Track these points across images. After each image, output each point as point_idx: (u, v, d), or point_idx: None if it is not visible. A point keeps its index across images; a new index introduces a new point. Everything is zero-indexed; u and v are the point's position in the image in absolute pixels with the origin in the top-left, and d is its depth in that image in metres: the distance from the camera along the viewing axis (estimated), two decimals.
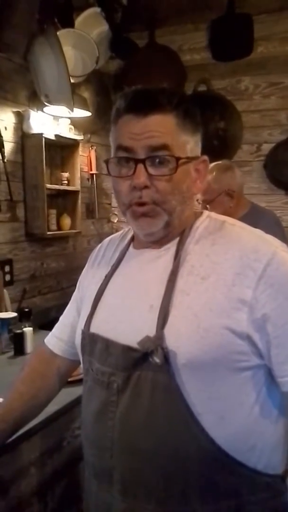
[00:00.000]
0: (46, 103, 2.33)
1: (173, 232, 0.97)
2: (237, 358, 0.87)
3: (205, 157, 0.98)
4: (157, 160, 0.89)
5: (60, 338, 1.21)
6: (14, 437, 1.21)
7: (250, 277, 0.87)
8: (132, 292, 0.98)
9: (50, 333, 1.25)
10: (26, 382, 1.21)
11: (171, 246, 0.97)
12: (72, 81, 2.27)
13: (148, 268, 0.98)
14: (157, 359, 0.86)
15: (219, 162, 2.33)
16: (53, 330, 1.25)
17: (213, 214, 1.02)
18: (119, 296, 1.00)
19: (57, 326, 1.25)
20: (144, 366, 0.89)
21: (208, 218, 1.00)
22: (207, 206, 2.23)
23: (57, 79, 2.15)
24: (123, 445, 0.93)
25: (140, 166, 0.89)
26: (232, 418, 0.89)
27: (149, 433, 0.89)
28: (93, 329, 1.00)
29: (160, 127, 0.89)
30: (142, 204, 0.92)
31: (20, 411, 1.16)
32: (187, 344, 0.86)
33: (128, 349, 0.91)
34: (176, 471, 0.89)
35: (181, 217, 0.96)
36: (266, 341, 0.87)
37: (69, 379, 1.34)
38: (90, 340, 1.00)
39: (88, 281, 1.14)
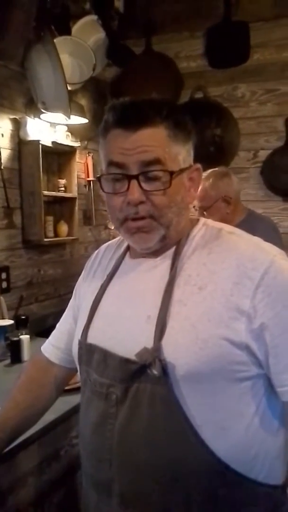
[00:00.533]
0: (43, 110, 2.33)
1: (170, 242, 0.96)
2: (236, 368, 0.86)
3: (198, 165, 0.97)
4: (150, 175, 0.88)
5: (57, 346, 1.20)
6: (11, 446, 1.20)
7: (247, 286, 0.86)
8: (128, 302, 0.97)
9: (47, 341, 1.24)
10: (22, 391, 1.20)
11: (168, 256, 0.96)
12: (69, 88, 2.28)
13: (145, 278, 0.97)
14: (155, 371, 0.85)
15: (216, 168, 2.33)
16: (50, 338, 1.24)
17: (210, 222, 1.01)
18: (115, 306, 0.99)
19: (53, 334, 1.24)
20: (142, 378, 0.88)
21: (204, 226, 0.99)
22: (204, 212, 2.23)
23: (54, 86, 2.16)
24: (122, 457, 0.91)
25: (134, 182, 0.88)
26: (232, 429, 0.88)
27: (148, 445, 0.88)
28: (90, 339, 0.99)
29: (151, 141, 0.87)
30: (138, 218, 0.91)
31: (16, 420, 1.15)
32: (185, 355, 0.85)
33: (125, 361, 0.90)
34: (176, 483, 0.88)
35: (177, 228, 0.95)
36: (264, 351, 0.86)
37: (66, 388, 1.34)
38: (87, 350, 0.99)
39: (84, 290, 1.13)
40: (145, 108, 0.88)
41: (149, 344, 0.87)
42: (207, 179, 2.25)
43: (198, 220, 1.01)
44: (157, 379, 0.85)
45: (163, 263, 0.96)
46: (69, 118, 2.31)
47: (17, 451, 1.38)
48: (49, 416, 1.49)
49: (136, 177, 0.88)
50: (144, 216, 0.90)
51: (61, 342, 1.19)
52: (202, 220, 1.01)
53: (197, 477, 0.87)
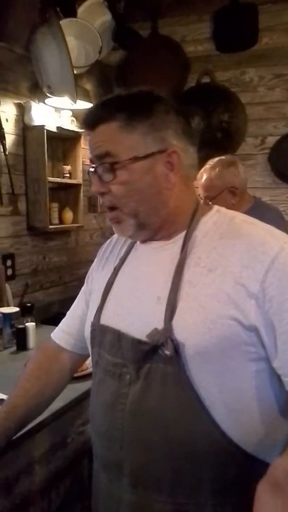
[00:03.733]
0: (48, 95, 2.28)
1: (153, 228, 0.98)
2: (246, 349, 0.87)
3: (173, 149, 0.94)
4: (102, 168, 0.94)
5: (68, 332, 1.21)
6: (18, 434, 1.18)
7: (257, 269, 0.86)
8: (140, 283, 0.99)
9: (57, 328, 1.25)
10: (30, 379, 1.19)
11: (178, 239, 0.97)
12: (74, 72, 2.23)
13: (155, 259, 0.99)
14: (167, 351, 0.87)
15: (222, 157, 2.27)
16: (60, 325, 1.25)
17: (223, 210, 1.02)
18: (128, 288, 1.01)
19: (64, 321, 1.25)
20: (154, 358, 0.89)
21: (217, 213, 1.00)
22: (209, 203, 2.19)
23: (59, 69, 2.11)
24: (133, 437, 0.93)
25: (94, 175, 0.96)
26: (244, 411, 0.89)
27: (159, 425, 0.89)
28: (103, 320, 1.01)
29: (102, 136, 0.94)
30: (109, 208, 0.98)
31: (25, 408, 1.15)
32: (195, 335, 0.87)
33: (137, 342, 0.91)
34: (186, 463, 0.89)
35: (159, 214, 0.96)
36: (273, 336, 0.86)
37: (74, 375, 1.32)
38: (100, 331, 1.01)
39: (97, 274, 1.15)
40: (100, 107, 0.96)
41: (160, 325, 0.89)
42: (213, 169, 2.20)
43: (212, 207, 1.02)
44: (169, 359, 0.87)
45: (174, 246, 0.97)
46: (75, 102, 2.26)
47: (23, 439, 1.37)
48: (56, 404, 1.48)
49: (94, 170, 0.95)
50: (110, 206, 0.96)
51: (73, 328, 1.20)
52: (216, 207, 1.02)
53: (208, 458, 0.88)
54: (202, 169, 2.27)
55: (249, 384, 0.89)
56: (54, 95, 2.24)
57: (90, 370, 1.72)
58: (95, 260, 1.20)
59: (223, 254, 0.91)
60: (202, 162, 2.46)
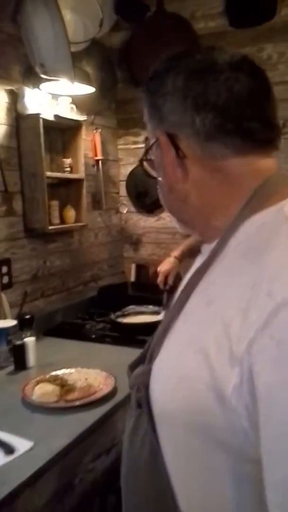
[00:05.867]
0: (42, 75, 2.00)
1: (201, 226, 0.77)
2: (220, 436, 0.59)
3: (159, 136, 0.74)
4: None
5: None
6: (13, 486, 1.03)
7: (251, 320, 0.56)
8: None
9: None
10: None
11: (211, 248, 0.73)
12: (72, 49, 1.94)
13: (192, 269, 0.81)
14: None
15: None
16: None
17: None
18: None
19: None
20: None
21: (278, 213, 0.66)
22: None
23: (53, 44, 1.83)
24: (122, 477, 0.83)
25: None
26: None
27: (135, 476, 0.77)
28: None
29: None
30: None
31: None
32: (159, 390, 0.69)
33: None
34: None
35: (188, 212, 0.76)
36: (257, 436, 0.55)
37: (78, 403, 1.30)
38: None
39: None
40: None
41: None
42: None
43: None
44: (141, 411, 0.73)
45: (205, 257, 0.73)
46: (73, 82, 1.98)
47: (22, 489, 1.14)
48: (60, 442, 1.31)
49: None
50: None
51: None
52: (285, 201, 0.68)
53: None
54: None
55: (225, 483, 0.61)
56: (49, 76, 1.96)
57: (97, 395, 1.50)
58: None
59: (228, 282, 0.63)
60: None
